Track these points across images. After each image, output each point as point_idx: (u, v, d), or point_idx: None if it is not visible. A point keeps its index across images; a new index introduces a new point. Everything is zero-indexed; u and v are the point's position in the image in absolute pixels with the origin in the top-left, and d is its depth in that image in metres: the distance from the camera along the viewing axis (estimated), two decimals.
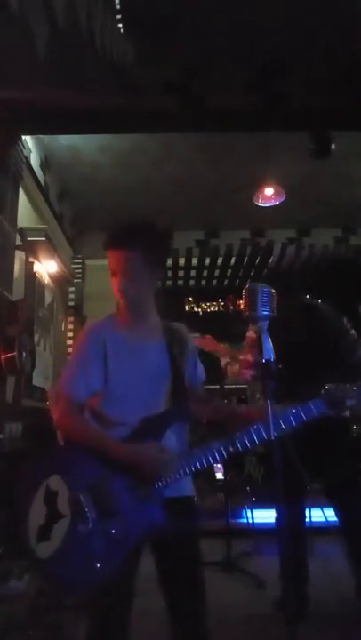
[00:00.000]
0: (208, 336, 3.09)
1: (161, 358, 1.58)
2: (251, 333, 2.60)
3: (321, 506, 2.40)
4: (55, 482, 1.37)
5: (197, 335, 3.01)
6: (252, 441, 1.50)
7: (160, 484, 1.41)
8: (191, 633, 1.47)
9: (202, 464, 1.46)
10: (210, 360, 4.75)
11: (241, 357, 2.65)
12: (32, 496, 1.36)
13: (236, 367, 2.73)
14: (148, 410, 1.50)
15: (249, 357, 2.59)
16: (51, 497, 1.37)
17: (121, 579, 1.36)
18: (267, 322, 1.46)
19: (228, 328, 2.87)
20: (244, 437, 1.50)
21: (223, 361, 2.91)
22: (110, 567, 1.31)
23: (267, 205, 5.59)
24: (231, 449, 1.49)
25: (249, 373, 2.61)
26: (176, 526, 1.42)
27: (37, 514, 1.35)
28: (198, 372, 1.69)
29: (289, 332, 2.44)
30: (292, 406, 1.54)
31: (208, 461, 1.47)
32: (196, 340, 2.96)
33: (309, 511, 2.79)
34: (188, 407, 1.57)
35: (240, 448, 1.49)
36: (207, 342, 3.05)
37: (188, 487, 1.53)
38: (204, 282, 7.23)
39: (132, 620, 1.45)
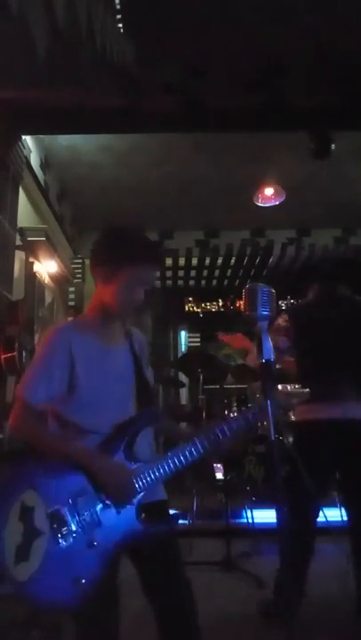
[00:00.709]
0: (239, 334, 3.00)
1: (127, 361, 1.57)
2: (278, 320, 2.50)
3: (321, 506, 2.39)
4: (30, 497, 1.30)
5: (224, 333, 2.95)
6: (217, 443, 1.51)
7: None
8: (182, 635, 1.46)
9: (172, 470, 1.46)
10: (212, 360, 4.78)
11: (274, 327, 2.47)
12: (6, 515, 1.26)
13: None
14: (119, 415, 1.47)
15: (281, 326, 2.48)
16: (26, 514, 1.28)
17: (105, 587, 1.34)
18: (267, 322, 1.46)
19: (228, 328, 2.81)
20: (210, 439, 1.51)
21: (250, 356, 2.78)
22: (95, 579, 1.29)
23: (267, 205, 5.59)
24: (199, 452, 1.49)
25: (283, 342, 2.42)
26: (154, 531, 1.41)
27: (13, 533, 1.25)
28: (151, 378, 1.66)
29: (324, 325, 2.44)
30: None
31: (179, 466, 1.47)
32: (223, 337, 2.94)
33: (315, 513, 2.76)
34: (156, 410, 1.57)
35: (205, 452, 1.49)
36: (237, 339, 2.97)
37: (160, 492, 1.53)
38: (204, 282, 7.24)
39: (119, 625, 1.45)
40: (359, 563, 2.30)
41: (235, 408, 5.24)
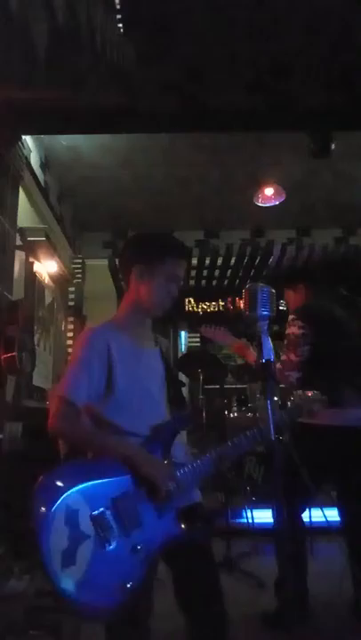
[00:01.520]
0: (220, 328, 2.86)
1: (159, 364, 1.61)
2: (293, 329, 2.39)
3: (321, 506, 2.39)
4: (74, 499, 1.26)
5: (208, 327, 2.80)
6: (249, 445, 1.54)
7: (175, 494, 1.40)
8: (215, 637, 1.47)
9: (208, 473, 1.47)
10: (213, 359, 4.78)
11: (284, 357, 2.41)
12: (52, 518, 1.22)
13: (277, 366, 2.42)
14: (155, 417, 1.49)
15: (293, 357, 2.36)
16: (72, 516, 1.24)
17: (144, 592, 1.34)
18: (267, 322, 1.46)
19: (228, 328, 2.74)
20: (243, 442, 1.54)
21: (251, 355, 2.58)
22: (139, 584, 1.27)
23: (267, 205, 5.59)
24: (232, 455, 1.51)
25: (294, 376, 2.36)
26: (192, 534, 1.40)
27: (59, 537, 1.21)
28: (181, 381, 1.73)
29: (333, 328, 2.40)
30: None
31: (213, 469, 1.48)
32: (206, 331, 2.83)
33: (309, 512, 2.76)
34: (189, 413, 1.59)
35: (239, 453, 1.51)
36: (219, 334, 2.68)
37: (195, 494, 1.54)
38: (204, 282, 7.23)
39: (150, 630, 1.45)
40: (355, 565, 2.30)
41: (235, 408, 5.24)
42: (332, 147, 3.87)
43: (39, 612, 2.33)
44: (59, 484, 1.29)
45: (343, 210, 6.01)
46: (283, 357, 2.42)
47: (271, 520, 2.59)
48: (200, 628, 1.47)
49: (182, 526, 1.38)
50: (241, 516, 3.97)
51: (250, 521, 3.87)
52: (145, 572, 1.30)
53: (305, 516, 2.44)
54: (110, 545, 1.26)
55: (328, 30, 3.20)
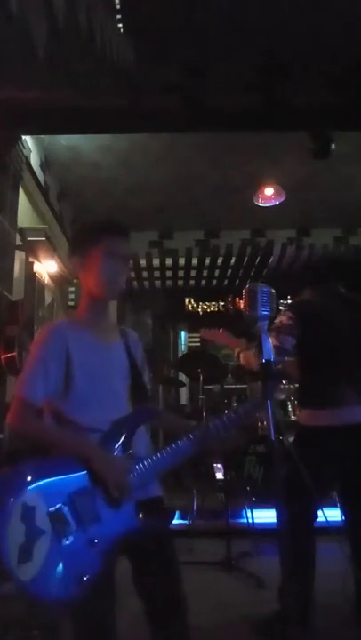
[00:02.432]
0: (220, 330, 2.88)
1: (122, 358, 1.60)
2: (281, 318, 2.39)
3: (321, 506, 2.38)
4: (30, 497, 1.30)
5: (207, 329, 2.81)
6: (212, 437, 1.54)
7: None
8: (175, 634, 1.47)
9: (168, 464, 1.48)
10: (212, 359, 4.78)
11: (278, 325, 2.39)
12: (8, 515, 1.26)
13: (251, 352, 2.47)
14: (115, 412, 1.49)
15: (273, 341, 2.30)
16: (28, 513, 1.28)
17: (103, 583, 1.35)
18: (267, 322, 1.46)
19: (228, 328, 2.75)
20: (207, 434, 1.54)
21: (236, 350, 2.62)
22: (96, 576, 1.30)
23: (267, 205, 5.59)
24: (191, 445, 1.51)
25: (289, 341, 2.35)
26: (151, 528, 1.41)
27: (16, 533, 1.25)
28: (147, 378, 1.69)
29: (331, 326, 2.38)
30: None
31: (174, 461, 1.49)
32: (206, 332, 2.83)
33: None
34: (152, 407, 1.59)
35: (198, 445, 1.51)
36: (219, 336, 2.71)
37: (155, 488, 1.54)
38: (204, 282, 7.24)
39: (116, 622, 1.45)
40: (358, 565, 2.30)
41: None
42: (332, 147, 3.87)
43: (39, 612, 2.33)
44: (15, 481, 1.32)
45: (343, 210, 6.01)
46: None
47: (271, 520, 2.58)
48: (161, 625, 1.48)
49: (140, 521, 1.39)
50: (241, 516, 3.96)
51: (250, 521, 3.87)
52: (102, 564, 1.32)
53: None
54: (67, 540, 1.30)
55: (328, 30, 3.20)
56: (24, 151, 4.02)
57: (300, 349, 2.38)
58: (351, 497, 2.40)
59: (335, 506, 2.54)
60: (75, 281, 6.20)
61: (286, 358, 2.43)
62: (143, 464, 1.45)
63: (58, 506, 1.31)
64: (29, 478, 1.33)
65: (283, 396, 4.69)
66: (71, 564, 1.28)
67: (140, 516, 1.40)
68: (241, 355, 2.56)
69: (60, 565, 1.28)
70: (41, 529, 1.28)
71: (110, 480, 1.37)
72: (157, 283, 7.57)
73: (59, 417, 1.47)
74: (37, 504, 1.29)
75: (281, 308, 2.50)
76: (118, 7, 2.73)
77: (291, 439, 2.50)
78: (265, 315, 1.44)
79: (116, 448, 1.44)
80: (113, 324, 1.66)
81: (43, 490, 1.32)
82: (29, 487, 1.31)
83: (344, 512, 2.46)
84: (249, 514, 3.90)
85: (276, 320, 2.41)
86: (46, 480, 1.34)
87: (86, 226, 1.65)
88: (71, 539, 1.30)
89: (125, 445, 1.45)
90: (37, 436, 1.45)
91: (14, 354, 3.47)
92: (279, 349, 2.33)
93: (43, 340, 1.50)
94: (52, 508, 1.30)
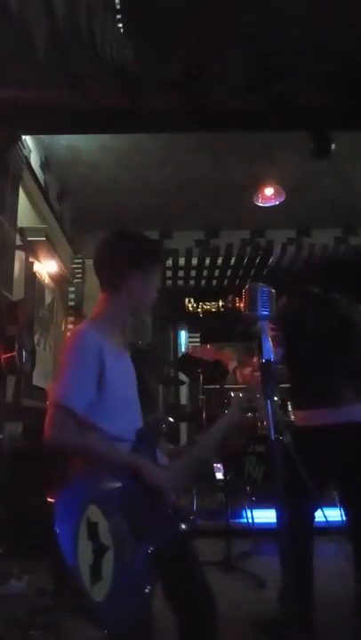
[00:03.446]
0: (207, 346, 2.93)
1: (132, 368, 1.62)
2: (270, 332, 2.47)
3: (320, 506, 2.38)
4: (93, 512, 1.25)
5: (197, 346, 2.87)
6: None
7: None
8: (205, 635, 1.48)
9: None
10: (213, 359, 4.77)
11: (255, 359, 2.50)
12: (76, 534, 1.21)
13: (247, 370, 2.49)
14: (137, 421, 1.51)
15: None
16: (93, 530, 1.23)
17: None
18: (267, 322, 1.45)
19: (228, 328, 2.75)
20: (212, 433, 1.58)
21: (231, 365, 2.65)
22: (152, 587, 1.29)
23: (267, 205, 5.59)
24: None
25: (278, 352, 2.28)
26: (180, 532, 1.43)
27: (86, 552, 1.21)
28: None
29: (311, 327, 2.38)
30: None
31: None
32: (195, 350, 2.88)
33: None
34: (161, 417, 1.61)
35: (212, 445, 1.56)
36: (207, 352, 2.89)
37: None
38: (204, 282, 7.23)
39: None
40: (359, 564, 2.30)
41: None
42: (333, 147, 3.87)
43: (39, 612, 2.33)
44: (77, 499, 1.27)
45: (343, 210, 6.01)
46: (254, 359, 2.43)
47: (271, 520, 2.58)
48: (190, 625, 1.48)
49: (179, 527, 1.41)
50: (241, 516, 3.97)
51: (250, 521, 3.87)
52: (155, 573, 1.31)
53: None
54: (128, 553, 1.27)
55: (328, 30, 3.20)
56: (24, 151, 4.02)
57: (287, 356, 2.38)
58: (350, 496, 2.40)
59: (335, 506, 2.54)
60: (75, 281, 6.21)
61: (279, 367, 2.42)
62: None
63: (116, 519, 1.28)
64: (88, 493, 1.29)
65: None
66: (134, 577, 1.27)
67: (178, 521, 1.42)
68: (237, 372, 2.58)
69: (126, 580, 1.24)
70: (105, 545, 1.24)
71: (166, 489, 1.38)
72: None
73: (85, 425, 1.40)
74: (99, 519, 1.26)
75: None
76: (118, 7, 2.73)
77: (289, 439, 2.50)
78: (265, 315, 1.44)
79: (148, 458, 1.44)
80: (121, 336, 1.66)
81: (101, 504, 1.28)
82: (90, 502, 1.27)
83: (344, 512, 2.46)
84: (249, 514, 3.90)
85: None
86: (102, 494, 1.32)
87: (147, 239, 1.66)
88: (131, 551, 1.28)
89: (153, 456, 1.46)
90: (82, 448, 1.40)
91: (14, 354, 3.48)
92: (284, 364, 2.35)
93: (79, 347, 1.44)
94: (113, 522, 1.27)
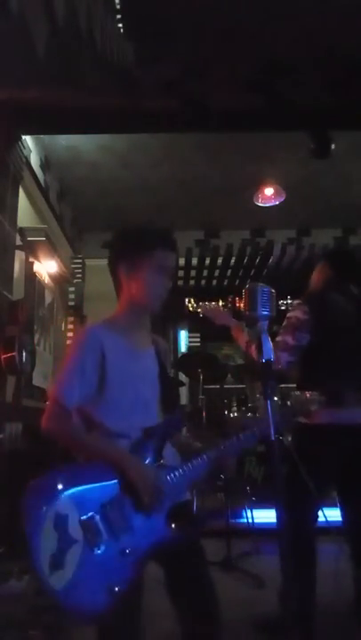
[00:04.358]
0: (220, 307, 2.76)
1: (153, 365, 1.59)
2: (295, 313, 2.29)
3: (321, 506, 2.38)
4: (63, 505, 1.29)
5: (208, 305, 2.70)
6: (244, 446, 1.54)
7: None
8: (208, 636, 1.47)
9: (199, 475, 1.47)
10: (213, 359, 4.78)
11: (279, 338, 2.29)
12: (42, 522, 1.26)
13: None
14: (147, 419, 1.48)
15: (289, 340, 2.25)
16: (61, 521, 1.28)
17: (132, 594, 1.33)
18: (267, 322, 1.45)
19: (228, 328, 2.70)
20: (237, 444, 1.54)
21: (242, 338, 2.46)
22: (127, 587, 1.28)
23: (267, 205, 5.59)
24: (228, 456, 1.52)
25: (285, 358, 2.24)
26: (181, 533, 1.39)
27: (48, 541, 1.25)
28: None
29: (339, 322, 2.32)
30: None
31: (204, 471, 1.48)
32: (204, 308, 2.74)
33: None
34: (181, 415, 1.58)
35: (234, 455, 1.52)
36: (219, 314, 2.58)
37: (185, 492, 1.54)
38: (204, 282, 7.23)
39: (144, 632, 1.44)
40: (358, 564, 2.29)
41: (235, 408, 5.23)
42: (333, 147, 3.87)
43: (39, 612, 2.33)
44: (48, 489, 1.31)
45: (343, 210, 6.01)
46: (278, 338, 2.31)
47: (271, 520, 2.56)
48: (193, 625, 1.47)
49: (172, 529, 1.37)
50: (241, 516, 3.96)
51: (250, 521, 3.87)
52: (133, 575, 1.30)
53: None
54: (99, 549, 1.28)
55: (327, 30, 3.20)
56: (24, 151, 4.02)
57: (312, 347, 2.30)
58: (351, 497, 2.39)
59: (335, 506, 2.53)
60: (75, 281, 6.21)
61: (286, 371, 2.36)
62: (175, 474, 1.44)
63: (90, 514, 1.30)
64: (62, 486, 1.32)
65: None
66: (103, 574, 1.27)
67: (173, 525, 1.38)
68: (250, 347, 2.39)
69: (92, 575, 1.26)
70: (73, 538, 1.27)
71: (142, 488, 1.35)
72: None
73: (88, 420, 1.46)
74: (70, 512, 1.28)
75: (289, 302, 2.42)
76: (118, 7, 2.73)
77: (290, 439, 2.49)
78: (265, 315, 1.43)
79: (147, 457, 1.43)
80: (147, 332, 1.64)
81: (75, 498, 1.31)
82: (62, 495, 1.30)
83: (343, 512, 2.45)
84: (249, 514, 3.90)
85: (291, 315, 2.33)
86: (79, 488, 1.33)
87: (138, 232, 1.62)
88: (103, 548, 1.29)
89: (157, 454, 1.44)
90: (70, 439, 1.45)
91: (14, 354, 3.47)
92: (295, 348, 2.26)
93: (79, 343, 1.50)
94: (85, 517, 1.29)
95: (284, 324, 2.34)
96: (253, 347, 2.43)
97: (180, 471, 1.45)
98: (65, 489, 1.31)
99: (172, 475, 1.44)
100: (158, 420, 1.52)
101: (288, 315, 2.36)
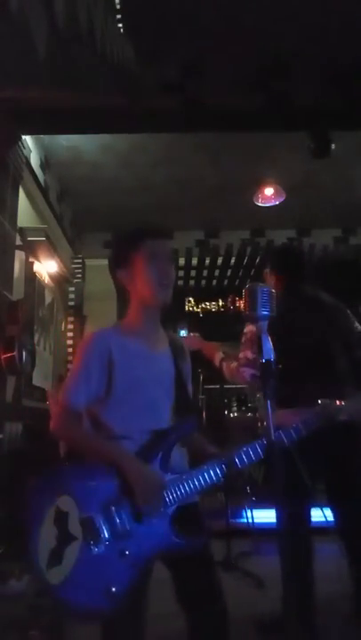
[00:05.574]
0: (195, 334, 2.85)
1: (167, 368, 1.56)
2: (250, 328, 2.35)
3: (321, 506, 2.37)
4: (65, 502, 1.31)
5: (185, 335, 2.78)
6: (252, 458, 1.48)
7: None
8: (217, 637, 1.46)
9: (207, 483, 1.43)
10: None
11: (240, 355, 2.38)
12: (42, 518, 1.30)
13: (233, 364, 2.43)
14: (153, 422, 1.46)
15: (248, 354, 2.33)
16: (61, 518, 1.30)
17: (135, 598, 1.33)
18: (267, 322, 1.45)
19: (228, 328, 2.73)
20: (245, 455, 1.48)
21: (217, 357, 2.60)
22: (126, 590, 1.27)
23: (267, 205, 5.59)
24: (232, 467, 1.46)
25: (248, 372, 2.33)
26: (186, 539, 1.37)
27: (48, 537, 1.28)
28: (190, 389, 1.65)
29: (291, 324, 2.29)
30: (292, 421, 1.55)
31: (211, 481, 1.44)
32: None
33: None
34: (193, 420, 1.54)
35: (240, 465, 1.46)
36: (191, 341, 2.68)
37: (192, 495, 1.50)
38: (204, 282, 7.23)
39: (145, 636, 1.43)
40: (354, 562, 2.29)
41: (235, 408, 5.23)
42: (332, 147, 3.87)
43: (39, 612, 2.33)
44: (51, 484, 1.34)
45: (343, 210, 6.01)
46: (240, 355, 2.39)
47: (271, 520, 2.55)
48: (201, 626, 1.46)
49: (176, 534, 1.35)
50: (241, 516, 3.96)
51: (250, 521, 3.87)
52: (133, 577, 1.29)
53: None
54: (97, 548, 1.28)
55: (328, 30, 3.20)
56: (24, 151, 4.02)
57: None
58: (338, 495, 2.37)
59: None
60: (75, 281, 6.21)
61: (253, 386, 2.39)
62: (182, 480, 1.41)
63: (90, 513, 1.31)
64: (64, 483, 1.34)
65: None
66: (99, 574, 1.27)
67: (177, 530, 1.36)
68: (224, 365, 2.51)
69: (89, 573, 1.27)
70: (73, 535, 1.28)
71: (140, 492, 1.34)
72: None
73: (95, 421, 1.47)
74: (71, 510, 1.30)
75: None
76: (118, 7, 2.72)
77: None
78: (265, 315, 1.43)
79: (154, 461, 1.41)
80: (162, 334, 1.62)
81: (77, 496, 1.32)
82: (64, 491, 1.32)
83: (333, 511, 2.42)
84: (249, 514, 3.90)
85: (247, 330, 2.37)
86: (81, 486, 1.34)
87: (123, 234, 1.62)
88: (102, 548, 1.29)
89: (165, 458, 1.42)
90: (75, 441, 1.48)
91: (14, 354, 3.47)
92: (256, 361, 2.28)
93: (86, 347, 1.51)
94: (85, 515, 1.30)
95: (243, 339, 2.41)
96: (225, 364, 2.56)
97: (187, 477, 1.42)
98: (67, 486, 1.33)
99: (177, 483, 1.41)
100: (170, 423, 1.50)
101: (245, 330, 2.40)
